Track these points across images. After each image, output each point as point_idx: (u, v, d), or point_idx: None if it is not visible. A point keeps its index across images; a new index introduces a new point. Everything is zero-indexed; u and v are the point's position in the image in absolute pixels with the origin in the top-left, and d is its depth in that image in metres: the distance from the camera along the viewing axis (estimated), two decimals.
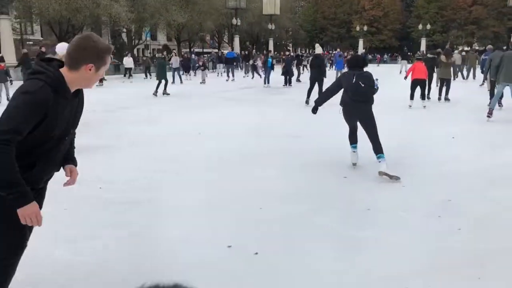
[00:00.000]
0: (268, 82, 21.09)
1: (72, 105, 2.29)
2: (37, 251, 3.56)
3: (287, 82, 20.67)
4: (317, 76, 13.40)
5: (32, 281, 3.04)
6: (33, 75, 2.18)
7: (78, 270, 3.27)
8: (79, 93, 2.35)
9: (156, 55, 30.41)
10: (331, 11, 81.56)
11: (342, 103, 5.92)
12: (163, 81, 16.85)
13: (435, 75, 14.75)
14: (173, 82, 21.91)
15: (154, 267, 3.28)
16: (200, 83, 22.94)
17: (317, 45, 16.43)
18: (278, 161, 6.53)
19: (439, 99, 13.94)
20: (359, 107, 5.76)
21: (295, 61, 26.00)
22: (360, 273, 3.19)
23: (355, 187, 5.28)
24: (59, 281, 3.10)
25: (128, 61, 27.38)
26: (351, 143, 6.15)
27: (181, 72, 24.81)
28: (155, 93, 16.39)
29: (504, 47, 15.01)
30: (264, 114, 11.37)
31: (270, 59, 22.76)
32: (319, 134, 8.63)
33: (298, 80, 22.73)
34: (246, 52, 38.93)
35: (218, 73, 29.93)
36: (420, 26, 61.27)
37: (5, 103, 12.95)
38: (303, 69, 26.48)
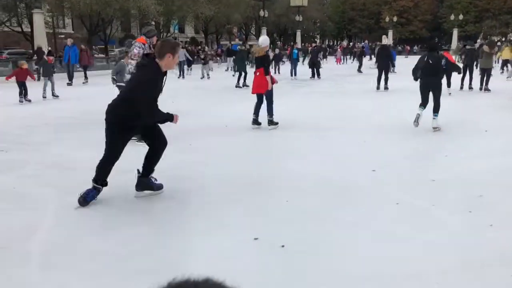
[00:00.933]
0: (295, 74, 20.96)
1: (162, 79, 4.34)
2: (71, 238, 3.67)
3: (315, 74, 20.41)
4: (385, 65, 14.72)
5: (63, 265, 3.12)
6: (143, 66, 4.45)
7: (107, 257, 3.35)
8: (166, 73, 4.34)
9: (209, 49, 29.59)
10: (360, 2, 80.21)
11: (421, 77, 7.86)
12: (243, 73, 16.78)
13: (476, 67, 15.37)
14: (181, 76, 21.21)
15: (181, 259, 3.33)
16: (201, 78, 20.82)
17: (384, 36, 18.09)
18: (307, 155, 6.49)
19: (480, 89, 14.22)
20: (430, 80, 7.76)
21: (321, 53, 25.80)
22: (391, 271, 3.14)
23: (383, 182, 5.20)
24: (88, 267, 3.19)
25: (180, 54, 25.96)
26: (420, 106, 7.84)
27: (185, 67, 22.71)
28: (238, 85, 16.61)
29: None
30: (293, 107, 11.30)
31: (295, 51, 22.67)
32: (351, 127, 8.55)
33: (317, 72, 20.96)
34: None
35: (227, 67, 27.26)
36: (452, 17, 59.53)
37: (50, 97, 13.28)
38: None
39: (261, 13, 46.10)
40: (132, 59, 7.05)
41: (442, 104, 7.92)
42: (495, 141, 7.15)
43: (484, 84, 14.20)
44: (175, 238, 3.74)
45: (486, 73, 14.21)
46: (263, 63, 8.11)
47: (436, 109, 7.84)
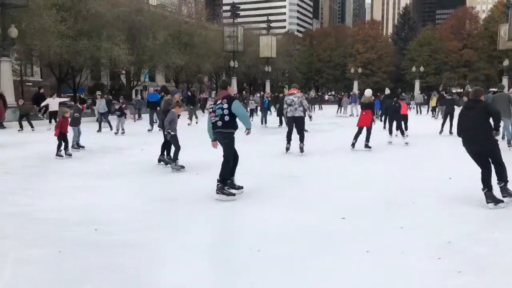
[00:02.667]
0: (265, 123, 21.27)
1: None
2: None
3: (283, 122, 20.70)
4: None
5: None
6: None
7: None
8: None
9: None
10: (326, 54, 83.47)
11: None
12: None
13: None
14: (99, 130, 17.68)
15: None
16: (115, 133, 16.69)
17: (387, 88, 20.33)
18: (276, 201, 6.48)
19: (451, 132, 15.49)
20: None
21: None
22: None
23: (353, 229, 5.22)
24: None
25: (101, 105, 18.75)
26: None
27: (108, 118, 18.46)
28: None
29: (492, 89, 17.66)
30: (262, 154, 11.37)
31: (266, 100, 23.18)
32: (315, 174, 8.64)
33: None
34: (189, 93, 30.48)
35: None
36: (414, 68, 62.46)
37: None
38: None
39: (232, 63, 47.17)
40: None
41: (406, 149, 8.12)
42: (459, 188, 7.33)
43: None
44: None
45: None
46: (370, 107, 12.22)
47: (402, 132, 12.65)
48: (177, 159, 9.11)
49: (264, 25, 63.48)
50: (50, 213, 5.80)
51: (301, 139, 11.08)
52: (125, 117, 17.77)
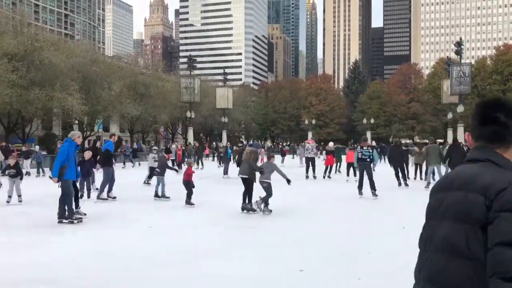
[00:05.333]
0: (227, 173, 21.21)
1: None
2: None
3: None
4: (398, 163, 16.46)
5: None
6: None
7: None
8: None
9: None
10: (281, 105, 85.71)
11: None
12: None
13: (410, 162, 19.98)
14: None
15: None
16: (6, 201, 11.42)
17: (396, 139, 22.08)
18: (234, 255, 6.35)
19: (415, 178, 18.41)
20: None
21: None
22: None
23: (312, 282, 5.15)
24: None
25: None
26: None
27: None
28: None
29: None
30: (222, 204, 11.23)
31: (229, 150, 23.74)
32: (275, 224, 8.58)
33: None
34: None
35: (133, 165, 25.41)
36: (365, 120, 64.96)
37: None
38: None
39: (188, 114, 47.40)
40: None
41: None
42: (414, 236, 7.47)
43: (419, 174, 18.99)
44: None
45: (419, 166, 19.09)
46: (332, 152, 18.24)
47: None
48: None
49: (220, 77, 64.76)
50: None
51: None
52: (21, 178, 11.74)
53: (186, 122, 53.24)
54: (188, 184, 10.85)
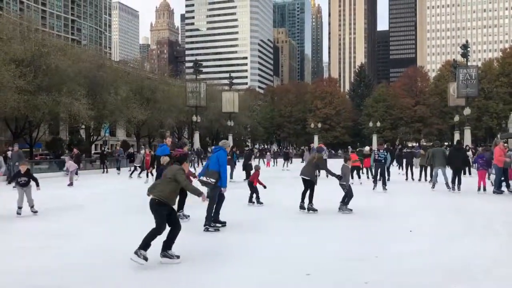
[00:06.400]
0: (231, 178, 21.20)
1: None
2: None
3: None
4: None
5: None
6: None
7: None
8: None
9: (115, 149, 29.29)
10: (287, 109, 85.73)
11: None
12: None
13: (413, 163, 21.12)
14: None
15: None
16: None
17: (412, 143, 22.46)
18: (240, 258, 6.34)
19: (420, 180, 19.21)
20: None
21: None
22: None
23: (319, 286, 5.13)
24: None
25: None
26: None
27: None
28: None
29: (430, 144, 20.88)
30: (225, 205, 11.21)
31: (235, 155, 23.62)
32: (279, 227, 8.56)
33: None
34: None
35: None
36: (371, 124, 64.69)
37: None
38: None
39: (194, 118, 47.47)
40: None
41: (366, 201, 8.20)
42: (421, 240, 7.44)
43: (424, 176, 19.29)
44: None
45: (424, 168, 19.39)
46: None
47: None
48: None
49: (226, 81, 64.88)
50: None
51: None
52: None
53: (192, 126, 53.32)
54: (252, 185, 11.84)
